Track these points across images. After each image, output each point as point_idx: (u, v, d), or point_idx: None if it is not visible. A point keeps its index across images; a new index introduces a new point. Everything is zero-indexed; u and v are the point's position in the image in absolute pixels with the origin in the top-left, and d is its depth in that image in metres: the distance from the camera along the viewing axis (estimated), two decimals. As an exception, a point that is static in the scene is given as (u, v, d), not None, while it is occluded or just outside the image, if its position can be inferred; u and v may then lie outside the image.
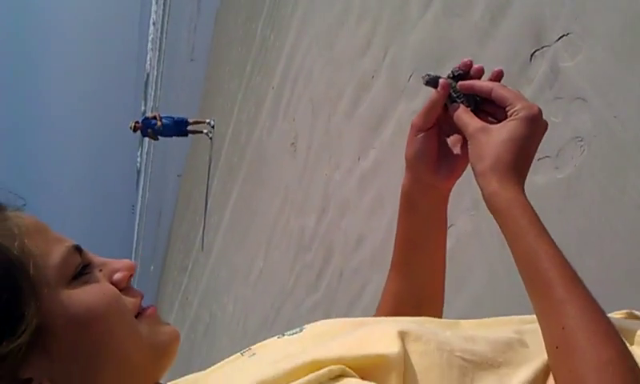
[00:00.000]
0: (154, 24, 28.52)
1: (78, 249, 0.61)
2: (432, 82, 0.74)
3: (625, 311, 0.76)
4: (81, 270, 0.60)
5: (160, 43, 26.92)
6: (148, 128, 9.41)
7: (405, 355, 0.58)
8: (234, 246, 7.06)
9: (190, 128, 9.76)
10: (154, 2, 28.97)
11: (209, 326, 7.60)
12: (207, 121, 10.02)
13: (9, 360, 0.53)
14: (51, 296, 0.56)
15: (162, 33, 26.48)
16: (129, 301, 0.62)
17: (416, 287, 0.82)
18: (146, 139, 9.96)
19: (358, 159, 3.57)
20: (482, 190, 0.66)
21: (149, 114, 10.65)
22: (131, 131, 9.48)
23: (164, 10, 26.41)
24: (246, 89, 8.26)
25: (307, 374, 0.52)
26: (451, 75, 0.74)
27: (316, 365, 0.53)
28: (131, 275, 0.64)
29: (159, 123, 9.31)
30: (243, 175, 7.33)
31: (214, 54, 14.08)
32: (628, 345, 0.58)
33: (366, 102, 3.62)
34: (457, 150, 0.76)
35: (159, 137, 9.64)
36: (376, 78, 3.52)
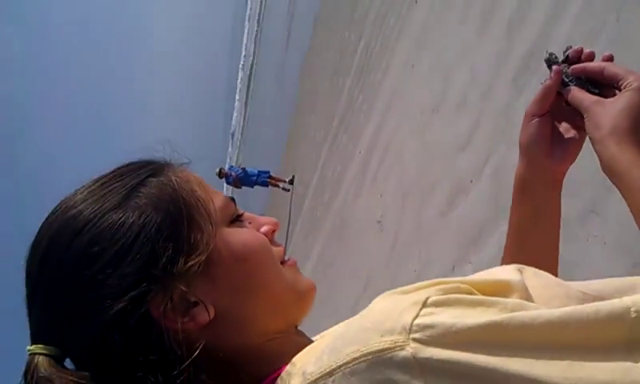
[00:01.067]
0: (242, 68, 29.38)
1: (233, 200, 0.69)
2: (550, 63, 0.78)
3: None
4: (236, 218, 0.68)
5: (248, 84, 27.50)
6: (232, 174, 10.11)
7: (525, 287, 0.59)
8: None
9: (270, 180, 10.53)
10: (243, 45, 29.92)
11: None
12: (287, 179, 10.85)
13: (184, 279, 0.60)
14: (217, 230, 0.64)
15: (250, 74, 27.23)
16: (275, 249, 0.69)
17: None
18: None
19: (453, 269, 3.31)
20: (599, 156, 0.70)
21: (234, 165, 11.75)
22: (217, 176, 9.93)
23: (254, 52, 27.19)
24: (332, 144, 8.20)
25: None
26: (564, 59, 0.78)
27: (442, 282, 0.55)
28: (274, 230, 0.71)
29: (241, 172, 10.14)
30: (326, 233, 7.21)
31: (300, 97, 14.22)
32: None
33: (463, 206, 3.36)
34: (569, 135, 0.80)
35: (242, 186, 10.29)
36: (475, 183, 3.27)
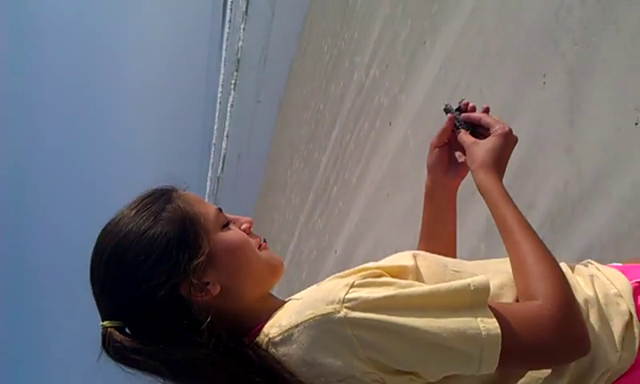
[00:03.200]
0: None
1: (220, 210, 1.00)
2: (447, 111, 1.12)
3: (585, 261, 1.09)
4: (225, 224, 0.98)
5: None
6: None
7: (416, 267, 0.94)
8: None
9: None
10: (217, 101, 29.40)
11: None
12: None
13: (197, 271, 0.90)
14: (213, 235, 0.94)
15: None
16: (252, 240, 1.00)
17: (437, 251, 1.09)
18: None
19: None
20: (474, 180, 1.01)
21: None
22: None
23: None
24: (306, 222, 8.37)
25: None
26: (457, 107, 1.11)
27: (365, 269, 0.89)
28: (250, 226, 1.01)
29: None
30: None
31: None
32: (567, 270, 1.00)
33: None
34: (461, 160, 1.12)
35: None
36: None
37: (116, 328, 0.90)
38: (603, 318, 0.95)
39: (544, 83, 2.72)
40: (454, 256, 1.17)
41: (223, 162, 26.04)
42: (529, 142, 2.62)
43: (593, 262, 1.08)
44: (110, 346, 0.90)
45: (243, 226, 1.01)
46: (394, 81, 5.27)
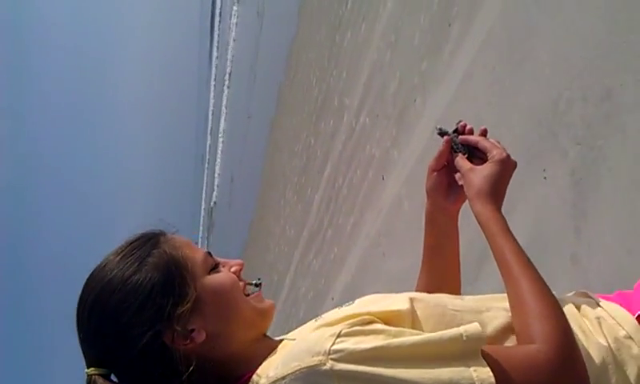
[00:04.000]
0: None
1: (209, 253, 0.97)
2: (441, 134, 1.07)
3: (581, 291, 1.05)
4: (214, 267, 0.95)
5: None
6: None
7: (413, 311, 0.89)
8: None
9: None
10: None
11: None
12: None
13: (182, 318, 0.88)
14: (200, 280, 0.91)
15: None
16: (241, 283, 0.96)
17: (438, 279, 1.11)
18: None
19: None
20: (471, 209, 0.98)
21: None
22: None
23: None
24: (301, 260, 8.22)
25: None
26: (454, 129, 1.06)
27: (355, 316, 0.86)
28: (241, 269, 0.98)
29: None
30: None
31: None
32: (574, 311, 0.96)
33: None
34: (461, 183, 1.04)
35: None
36: None
37: (101, 375, 0.89)
38: (618, 365, 0.91)
39: (545, 178, 2.56)
40: (457, 283, 1.15)
41: (216, 186, 25.88)
42: (531, 239, 2.44)
43: (592, 295, 1.03)
44: None
45: (233, 269, 0.97)
46: (384, 133, 5.12)
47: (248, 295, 0.96)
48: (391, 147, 4.89)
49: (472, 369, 0.77)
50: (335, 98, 7.59)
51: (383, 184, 5.01)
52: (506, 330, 0.90)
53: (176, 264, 0.90)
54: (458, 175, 1.05)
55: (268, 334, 0.99)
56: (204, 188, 28.31)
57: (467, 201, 1.00)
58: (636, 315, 0.97)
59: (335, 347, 0.78)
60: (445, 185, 1.09)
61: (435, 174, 1.09)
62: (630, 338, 0.93)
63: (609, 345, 0.92)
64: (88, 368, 0.90)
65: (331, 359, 0.77)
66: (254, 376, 0.89)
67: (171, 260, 0.91)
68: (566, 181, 2.40)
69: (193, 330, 0.89)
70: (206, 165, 29.37)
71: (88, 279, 0.92)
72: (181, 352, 0.87)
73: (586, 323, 0.95)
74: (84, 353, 0.92)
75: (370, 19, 6.33)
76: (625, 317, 0.97)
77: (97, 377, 0.89)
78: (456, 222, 1.12)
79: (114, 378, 0.90)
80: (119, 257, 0.91)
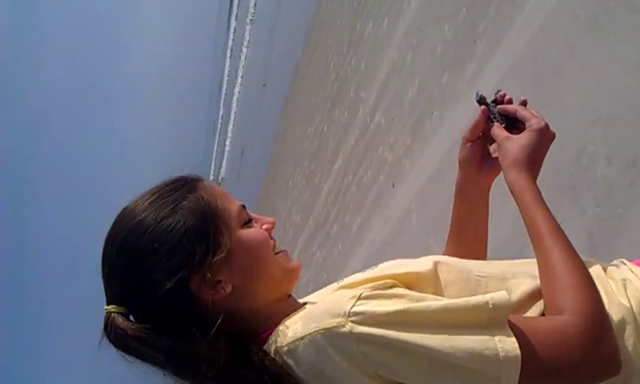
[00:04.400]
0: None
1: (244, 206, 0.94)
2: (480, 102, 1.03)
3: (618, 260, 1.01)
4: (247, 221, 0.93)
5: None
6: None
7: (436, 275, 0.88)
8: None
9: None
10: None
11: None
12: None
13: (214, 267, 0.86)
14: (234, 232, 0.89)
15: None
16: (272, 242, 0.94)
17: (464, 252, 1.05)
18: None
19: None
20: (505, 179, 0.94)
21: None
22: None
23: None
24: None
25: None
26: (493, 99, 1.02)
27: (377, 279, 0.84)
28: (272, 227, 0.96)
29: None
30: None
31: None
32: (601, 273, 0.93)
33: None
34: (495, 155, 1.01)
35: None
36: None
37: (120, 314, 0.87)
38: (637, 328, 0.87)
39: (560, 232, 2.46)
40: (484, 257, 1.11)
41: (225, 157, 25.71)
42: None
43: (626, 262, 0.99)
44: (112, 331, 0.86)
45: (265, 226, 0.95)
46: (399, 139, 5.01)
47: (277, 254, 0.95)
48: (404, 156, 4.78)
49: (497, 338, 0.74)
50: (351, 89, 7.45)
51: (393, 192, 4.91)
52: (532, 297, 0.88)
53: (212, 211, 0.89)
54: (492, 147, 1.04)
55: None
56: (213, 160, 28.15)
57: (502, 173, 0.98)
58: None
59: (355, 309, 0.76)
60: (479, 156, 1.06)
61: (469, 144, 1.05)
62: None
63: (631, 307, 0.89)
64: (108, 305, 0.88)
65: (351, 321, 0.76)
66: (273, 334, 0.88)
67: (208, 207, 0.89)
68: (582, 241, 2.30)
69: (220, 281, 0.87)
70: (217, 135, 29.18)
71: (118, 216, 0.90)
72: (208, 301, 0.85)
73: (611, 284, 0.92)
74: (106, 289, 0.89)
75: (393, 14, 6.16)
76: None
77: (116, 315, 0.86)
78: (487, 195, 1.09)
79: (132, 319, 0.87)
80: (154, 196, 0.89)
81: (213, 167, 26.86)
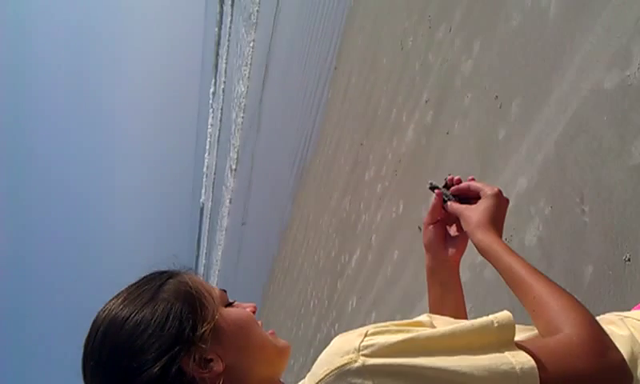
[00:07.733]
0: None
1: (225, 291, 0.99)
2: (432, 188, 1.15)
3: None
4: (229, 303, 0.98)
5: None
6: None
7: (431, 323, 0.87)
8: None
9: None
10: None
11: None
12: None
13: (203, 343, 0.88)
14: (219, 309, 0.93)
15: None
16: (259, 322, 0.99)
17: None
18: None
19: None
20: (473, 241, 1.02)
21: None
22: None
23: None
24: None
25: None
26: (444, 184, 1.14)
27: (378, 325, 0.83)
28: (255, 311, 0.99)
29: None
30: None
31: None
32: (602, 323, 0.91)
33: None
34: (456, 234, 1.14)
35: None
36: None
37: None
38: None
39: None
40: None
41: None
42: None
43: (614, 313, 1.04)
44: None
45: (248, 309, 0.97)
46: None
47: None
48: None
49: (509, 354, 0.75)
50: (357, 219, 6.92)
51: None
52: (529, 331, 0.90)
53: (196, 290, 0.91)
54: (453, 228, 1.13)
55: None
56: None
57: (468, 236, 1.04)
58: None
59: (365, 343, 0.75)
60: (442, 237, 1.13)
61: (431, 227, 1.13)
62: None
63: (634, 336, 0.93)
64: None
65: (362, 355, 0.74)
66: None
67: (190, 288, 0.91)
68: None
69: (211, 360, 0.87)
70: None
71: (99, 313, 0.89)
72: (199, 381, 0.85)
73: (610, 327, 0.94)
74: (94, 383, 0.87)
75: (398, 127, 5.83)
76: None
77: None
78: (457, 273, 1.15)
79: None
80: (133, 288, 0.91)
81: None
